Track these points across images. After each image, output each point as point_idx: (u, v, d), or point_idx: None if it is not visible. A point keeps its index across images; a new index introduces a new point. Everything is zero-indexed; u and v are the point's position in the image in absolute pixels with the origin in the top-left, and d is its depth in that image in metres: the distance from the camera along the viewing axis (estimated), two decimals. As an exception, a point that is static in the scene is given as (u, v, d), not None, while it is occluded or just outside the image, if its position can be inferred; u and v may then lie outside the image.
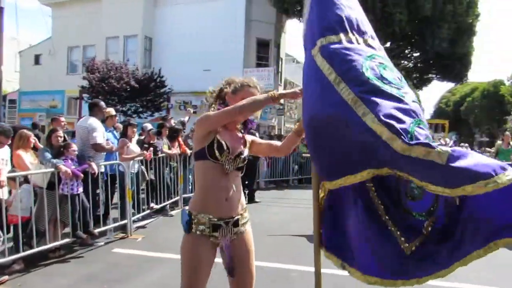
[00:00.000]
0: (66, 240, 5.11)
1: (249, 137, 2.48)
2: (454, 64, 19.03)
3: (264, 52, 20.83)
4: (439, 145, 1.64)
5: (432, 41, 15.74)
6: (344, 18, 2.01)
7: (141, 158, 6.52)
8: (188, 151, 8.12)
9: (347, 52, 1.90)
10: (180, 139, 8.19)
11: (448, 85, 48.17)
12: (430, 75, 22.05)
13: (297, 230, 6.50)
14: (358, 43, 1.98)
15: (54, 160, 4.95)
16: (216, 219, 2.22)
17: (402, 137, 1.63)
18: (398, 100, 1.78)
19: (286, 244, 5.74)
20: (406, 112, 1.75)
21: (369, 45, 2.00)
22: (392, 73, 1.92)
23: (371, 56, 1.92)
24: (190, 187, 8.70)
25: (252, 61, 20.31)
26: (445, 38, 15.71)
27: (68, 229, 5.29)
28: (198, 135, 2.24)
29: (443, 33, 15.53)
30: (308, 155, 11.46)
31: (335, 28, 1.98)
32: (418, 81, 23.38)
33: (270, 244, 5.56)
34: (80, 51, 24.65)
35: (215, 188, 2.22)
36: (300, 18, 19.28)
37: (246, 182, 9.12)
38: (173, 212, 7.78)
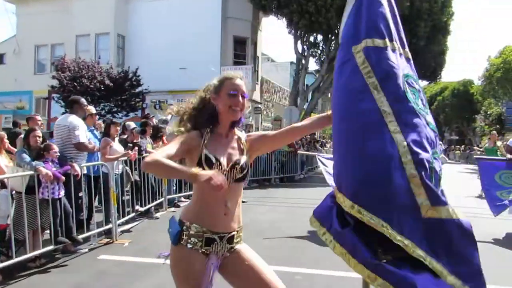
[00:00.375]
0: (48, 248, 4.70)
1: (254, 136, 2.19)
2: (429, 62, 19.34)
3: (241, 50, 20.57)
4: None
5: (409, 39, 15.89)
6: (391, 24, 1.95)
7: (126, 158, 6.16)
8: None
9: (391, 63, 1.87)
10: (164, 137, 7.85)
11: (421, 84, 49.42)
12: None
13: (290, 231, 6.31)
14: (400, 54, 1.95)
15: (34, 162, 4.54)
16: (210, 233, 2.00)
17: (423, 172, 1.67)
18: (424, 127, 1.81)
19: (282, 246, 5.52)
20: (429, 141, 1.79)
21: (408, 58, 1.99)
22: (419, 100, 1.91)
23: (407, 76, 1.90)
24: (174, 188, 8.38)
25: (229, 59, 20.00)
26: (422, 36, 15.91)
27: (48, 236, 4.88)
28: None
29: (420, 32, 15.73)
30: (304, 152, 11.45)
31: (382, 33, 1.90)
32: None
33: (266, 246, 5.34)
34: (48, 49, 23.65)
35: (213, 204, 1.99)
36: (278, 15, 19.15)
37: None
38: (158, 214, 7.44)
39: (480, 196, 10.63)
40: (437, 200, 1.67)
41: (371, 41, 1.88)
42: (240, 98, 2.04)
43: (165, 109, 18.98)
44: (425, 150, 1.72)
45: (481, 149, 11.69)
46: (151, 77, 18.33)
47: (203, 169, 1.92)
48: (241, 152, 2.09)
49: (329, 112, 2.09)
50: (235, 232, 2.05)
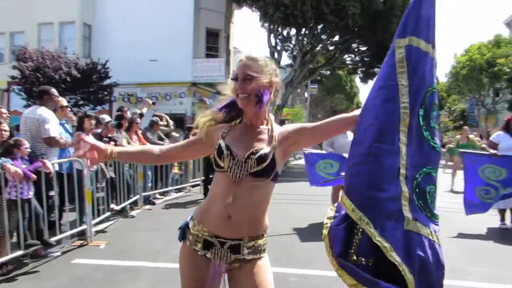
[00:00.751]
0: (17, 253, 4.28)
1: (290, 127, 1.85)
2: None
3: (214, 42, 20.08)
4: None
5: (382, 35, 16.03)
6: (435, 29, 1.82)
7: (101, 153, 5.74)
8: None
9: (425, 72, 1.76)
10: (138, 132, 7.45)
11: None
12: (376, 69, 22.58)
13: (276, 228, 6.07)
14: (435, 63, 1.84)
15: (0, 160, 4.10)
16: (209, 235, 1.78)
17: (409, 187, 1.67)
18: (428, 146, 1.76)
19: (271, 245, 5.17)
20: (424, 160, 1.75)
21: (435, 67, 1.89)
22: (434, 113, 1.83)
23: (434, 88, 1.81)
24: (150, 185, 7.99)
25: (201, 52, 19.49)
26: (395, 32, 15.98)
27: (15, 239, 4.45)
28: None
29: (393, 28, 15.82)
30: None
31: (428, 36, 1.77)
32: (364, 75, 23.95)
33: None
34: (6, 38, 22.27)
35: (219, 200, 1.76)
36: (253, 7, 18.82)
37: (211, 176, 8.61)
38: (133, 213, 7.04)
39: (451, 191, 10.82)
40: (418, 218, 1.68)
41: (417, 40, 1.73)
42: (242, 81, 1.75)
43: (134, 103, 18.35)
44: (416, 169, 1.71)
45: (453, 145, 11.98)
46: (120, 69, 17.59)
47: (215, 160, 1.77)
48: (268, 143, 1.79)
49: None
50: (242, 241, 1.76)
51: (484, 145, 7.31)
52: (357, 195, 1.69)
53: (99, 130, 6.57)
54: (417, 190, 1.69)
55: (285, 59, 34.39)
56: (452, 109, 39.91)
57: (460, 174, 11.53)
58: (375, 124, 1.70)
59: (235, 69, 1.80)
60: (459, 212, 6.81)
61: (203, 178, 9.39)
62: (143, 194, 7.61)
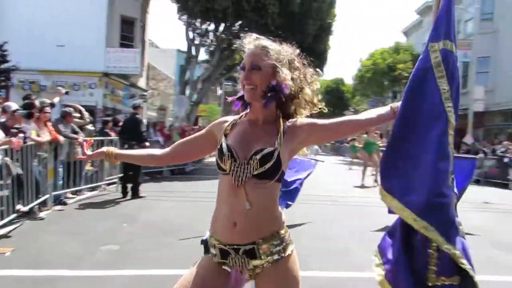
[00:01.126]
0: None
1: (300, 123, 1.73)
2: (313, 60, 20.42)
3: (128, 31, 18.95)
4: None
5: (299, 36, 16.54)
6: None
7: (6, 146, 5.01)
8: (61, 139, 6.69)
9: (459, 75, 1.79)
10: (48, 123, 6.68)
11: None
12: (290, 69, 23.26)
13: (204, 228, 5.85)
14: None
15: None
16: (223, 244, 1.69)
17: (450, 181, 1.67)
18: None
19: (201, 246, 5.06)
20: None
21: None
22: None
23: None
24: (61, 183, 7.24)
25: (115, 40, 18.25)
26: (310, 34, 16.70)
27: None
28: None
29: (309, 29, 16.49)
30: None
31: (455, 38, 1.77)
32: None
33: (184, 248, 4.83)
34: None
35: (223, 206, 1.70)
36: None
37: (131, 173, 8.10)
38: (42, 214, 6.29)
39: (361, 186, 11.55)
40: (460, 222, 1.70)
41: (450, 44, 1.72)
42: (249, 71, 1.65)
43: (36, 91, 16.63)
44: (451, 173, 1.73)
45: (360, 145, 13.16)
46: (20, 52, 15.74)
47: (217, 162, 1.68)
48: (274, 141, 1.65)
49: (393, 105, 1.76)
50: (255, 245, 1.63)
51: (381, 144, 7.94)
52: (419, 204, 1.65)
53: (3, 119, 5.73)
54: (456, 193, 1.72)
55: (203, 55, 34.10)
56: (356, 109, 42.91)
57: (370, 170, 12.47)
58: (427, 133, 1.67)
59: (244, 57, 1.68)
60: (380, 206, 7.22)
61: (120, 175, 8.77)
62: (53, 193, 6.85)
